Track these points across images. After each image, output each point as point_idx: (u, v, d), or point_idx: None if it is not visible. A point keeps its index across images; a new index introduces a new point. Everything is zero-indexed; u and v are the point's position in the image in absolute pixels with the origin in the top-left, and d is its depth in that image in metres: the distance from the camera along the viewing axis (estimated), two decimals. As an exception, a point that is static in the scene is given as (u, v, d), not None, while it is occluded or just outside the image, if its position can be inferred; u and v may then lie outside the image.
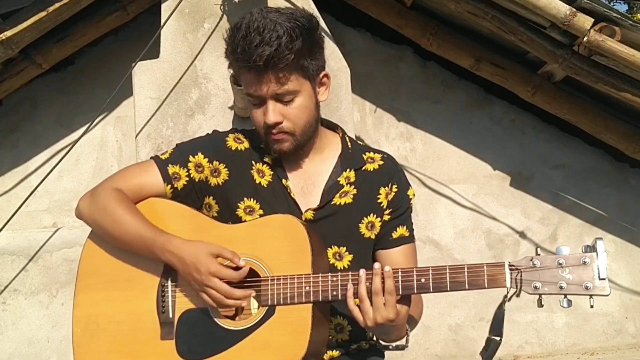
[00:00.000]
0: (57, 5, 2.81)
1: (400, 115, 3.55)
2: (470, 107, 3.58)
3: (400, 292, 1.52)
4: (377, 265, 1.53)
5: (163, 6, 2.73)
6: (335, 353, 1.72)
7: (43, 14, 2.82)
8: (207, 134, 1.86)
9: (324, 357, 1.70)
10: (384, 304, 1.50)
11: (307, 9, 2.61)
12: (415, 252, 1.81)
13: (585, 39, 2.73)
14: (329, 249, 1.71)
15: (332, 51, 2.67)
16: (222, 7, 2.68)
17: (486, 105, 3.59)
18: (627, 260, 3.48)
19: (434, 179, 3.51)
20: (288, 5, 2.63)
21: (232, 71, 1.84)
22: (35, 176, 3.36)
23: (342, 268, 1.71)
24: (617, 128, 3.29)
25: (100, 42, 3.44)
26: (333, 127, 1.86)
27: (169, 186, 1.73)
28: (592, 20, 2.71)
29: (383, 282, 1.51)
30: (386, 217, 1.76)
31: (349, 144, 1.81)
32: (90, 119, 2.98)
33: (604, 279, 1.43)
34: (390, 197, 1.76)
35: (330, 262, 1.71)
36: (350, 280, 1.54)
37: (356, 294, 1.53)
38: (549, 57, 3.01)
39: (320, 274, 1.57)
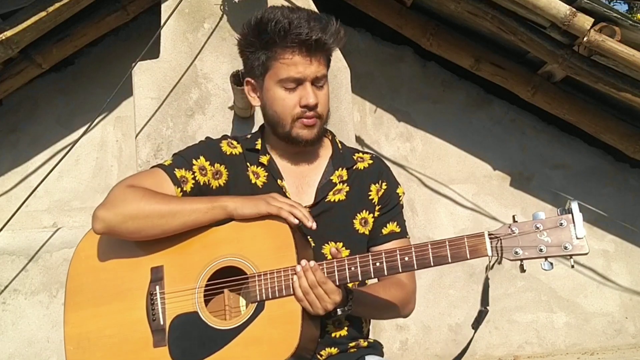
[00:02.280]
0: (57, 5, 2.82)
1: (400, 115, 3.56)
2: (470, 107, 3.58)
3: (386, 273, 1.56)
4: (303, 262, 1.57)
5: (163, 6, 2.73)
6: (334, 350, 1.73)
7: (43, 14, 2.83)
8: (201, 141, 1.87)
9: (322, 353, 1.70)
10: (325, 292, 1.55)
11: (307, 9, 2.65)
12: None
13: (585, 39, 2.73)
14: (326, 244, 1.74)
15: (332, 51, 2.67)
16: (222, 7, 2.68)
17: (486, 105, 3.59)
18: (627, 260, 3.47)
19: (434, 179, 3.51)
20: (288, 5, 2.63)
21: (242, 68, 1.82)
22: (35, 176, 3.36)
23: None
24: (617, 128, 3.29)
25: (100, 42, 3.44)
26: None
27: (179, 189, 1.71)
28: (592, 20, 2.71)
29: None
30: (377, 214, 1.79)
31: (339, 145, 1.87)
32: (90, 119, 2.98)
33: (581, 238, 1.45)
34: (380, 193, 1.81)
35: (329, 259, 1.72)
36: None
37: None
38: (549, 57, 3.01)
39: None
